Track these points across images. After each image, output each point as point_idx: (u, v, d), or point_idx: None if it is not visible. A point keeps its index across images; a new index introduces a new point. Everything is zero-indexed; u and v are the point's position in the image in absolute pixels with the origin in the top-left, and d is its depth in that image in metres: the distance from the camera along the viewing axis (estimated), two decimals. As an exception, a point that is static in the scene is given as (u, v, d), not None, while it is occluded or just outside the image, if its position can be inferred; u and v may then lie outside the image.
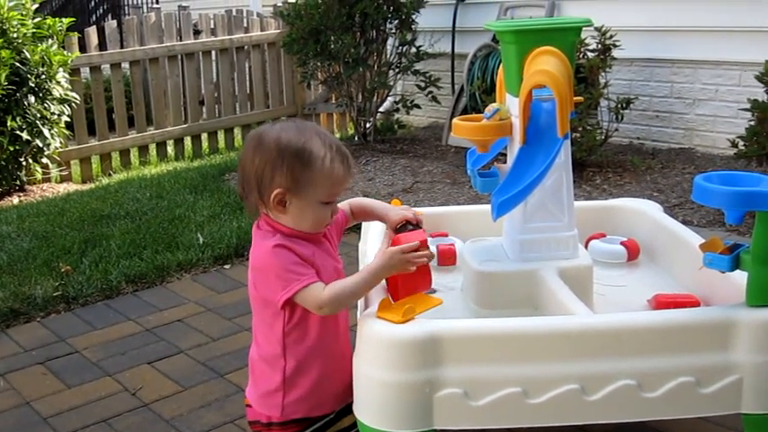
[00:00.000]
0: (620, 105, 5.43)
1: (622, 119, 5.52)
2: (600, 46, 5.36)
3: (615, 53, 5.41)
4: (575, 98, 2.38)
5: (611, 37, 5.34)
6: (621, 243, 2.86)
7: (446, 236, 2.98)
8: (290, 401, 1.91)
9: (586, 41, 5.37)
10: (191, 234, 4.53)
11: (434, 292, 2.51)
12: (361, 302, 2.32)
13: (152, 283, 3.99)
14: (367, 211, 2.19)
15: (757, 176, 2.08)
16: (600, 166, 5.45)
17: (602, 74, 5.39)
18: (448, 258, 2.81)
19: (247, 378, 2.05)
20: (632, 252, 2.83)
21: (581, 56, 5.40)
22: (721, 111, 5.65)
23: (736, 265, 2.05)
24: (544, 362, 2.01)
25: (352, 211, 2.18)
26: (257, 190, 1.84)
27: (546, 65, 2.31)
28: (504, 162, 2.61)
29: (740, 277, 2.10)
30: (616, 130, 5.54)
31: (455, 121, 2.54)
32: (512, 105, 2.50)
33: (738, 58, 5.46)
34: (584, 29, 2.46)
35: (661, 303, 2.43)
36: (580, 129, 5.24)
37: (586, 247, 2.87)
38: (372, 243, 2.58)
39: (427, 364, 1.96)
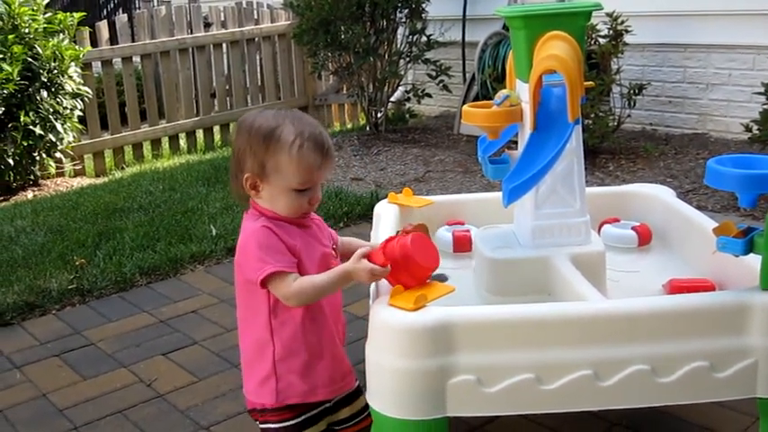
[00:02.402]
0: (632, 91, 5.40)
1: (635, 105, 5.49)
2: (611, 32, 5.33)
3: (627, 39, 5.37)
4: (585, 83, 2.36)
5: (623, 22, 5.31)
6: (633, 228, 2.84)
7: (462, 224, 2.97)
8: (283, 386, 1.88)
9: (598, 27, 5.33)
10: (204, 226, 4.54)
11: (447, 279, 2.51)
12: (372, 290, 2.32)
13: (166, 275, 4.00)
14: (347, 248, 2.07)
15: (770, 159, 2.06)
16: (613, 152, 5.42)
17: (614, 60, 5.36)
18: (463, 245, 2.81)
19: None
20: (643, 237, 2.82)
21: (593, 42, 5.37)
22: (735, 95, 5.60)
23: (749, 248, 2.04)
24: (557, 348, 2.00)
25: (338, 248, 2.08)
26: (233, 174, 1.87)
27: (556, 50, 2.29)
28: (516, 149, 2.60)
29: (754, 261, 2.08)
30: (629, 116, 5.51)
31: (465, 107, 2.54)
32: (522, 91, 2.48)
33: (752, 42, 5.41)
34: (595, 14, 2.44)
35: (676, 288, 2.42)
36: (592, 115, 5.21)
37: (599, 231, 2.86)
38: (384, 233, 2.58)
39: (439, 352, 1.96)
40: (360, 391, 2.03)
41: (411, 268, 1.92)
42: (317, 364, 1.90)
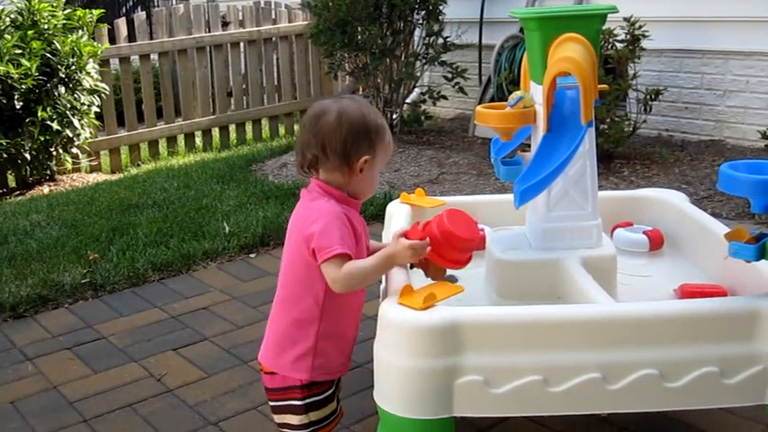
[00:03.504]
0: (648, 97, 5.38)
1: (651, 110, 5.46)
2: (629, 36, 5.31)
3: (644, 44, 5.34)
4: (599, 86, 2.36)
5: (641, 27, 5.28)
6: (644, 232, 2.83)
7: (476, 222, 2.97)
8: (318, 364, 2.00)
9: (615, 32, 5.31)
10: (217, 223, 4.56)
11: (457, 280, 2.51)
12: (382, 290, 2.32)
13: (178, 272, 4.02)
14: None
15: (784, 165, 2.05)
16: (628, 157, 5.40)
17: (631, 65, 5.34)
18: (477, 244, 2.80)
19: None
20: (655, 242, 2.81)
21: (609, 47, 5.35)
22: (752, 102, 5.57)
23: (762, 254, 2.03)
24: (565, 350, 2.00)
25: None
26: (342, 156, 1.98)
27: (570, 52, 2.29)
28: (529, 151, 2.60)
29: (766, 267, 2.07)
30: (644, 121, 5.49)
31: (478, 108, 2.53)
32: (536, 93, 2.48)
33: (770, 49, 5.38)
34: (613, 19, 2.43)
35: (687, 293, 2.41)
36: (608, 120, 5.19)
37: (612, 234, 2.85)
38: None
39: (447, 351, 1.96)
40: None
41: (452, 241, 1.99)
42: (348, 345, 2.07)
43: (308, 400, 2.01)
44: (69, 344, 3.30)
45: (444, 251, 2.01)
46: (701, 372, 2.00)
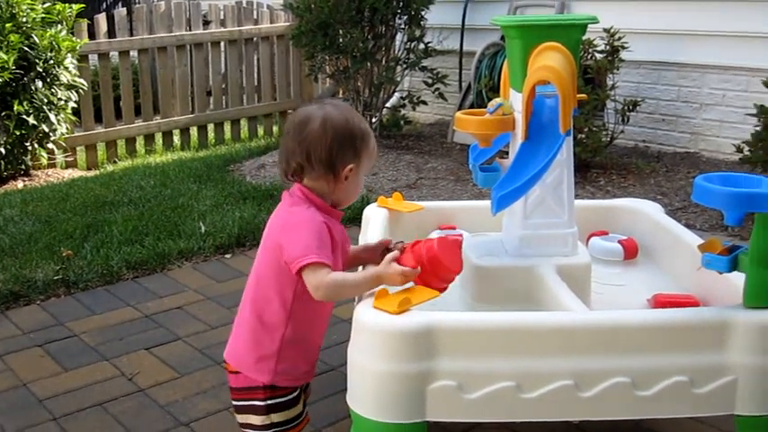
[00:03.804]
0: (626, 108, 5.42)
1: (628, 121, 5.51)
2: (608, 47, 5.35)
3: (623, 55, 5.39)
4: (578, 95, 2.37)
5: (620, 39, 5.33)
6: (619, 242, 2.86)
7: (454, 228, 2.98)
8: (280, 369, 2.00)
9: (595, 42, 5.36)
10: (193, 223, 4.53)
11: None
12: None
13: (152, 270, 3.99)
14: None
15: (757, 178, 2.08)
16: (604, 167, 5.44)
17: (610, 75, 5.38)
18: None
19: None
20: (629, 251, 2.83)
21: (589, 57, 5.39)
22: (728, 116, 5.63)
23: (734, 266, 2.06)
24: (539, 357, 2.01)
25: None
26: (327, 165, 1.98)
27: (550, 61, 2.31)
28: (507, 158, 2.61)
29: (738, 278, 2.09)
30: (622, 132, 5.54)
31: (458, 114, 2.55)
32: (515, 101, 2.50)
33: (746, 64, 5.44)
34: (593, 30, 2.46)
35: (660, 303, 2.43)
36: (586, 129, 5.23)
37: (587, 242, 2.88)
38: (372, 236, 2.59)
39: (421, 356, 1.97)
40: None
41: (437, 270, 2.00)
42: (313, 353, 2.08)
43: (269, 402, 2.01)
44: (40, 341, 3.26)
45: (426, 276, 2.01)
46: (672, 381, 2.02)
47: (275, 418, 2.02)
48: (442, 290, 2.06)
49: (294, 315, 1.99)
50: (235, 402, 2.08)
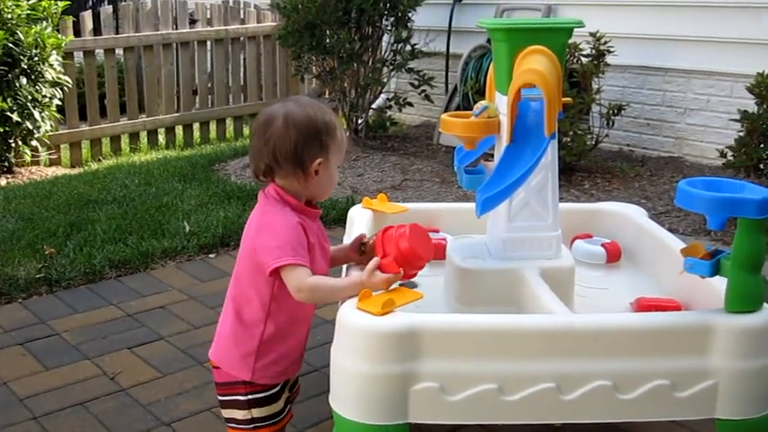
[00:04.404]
0: (611, 111, 5.45)
1: (613, 125, 5.54)
2: (594, 51, 5.37)
3: (609, 59, 5.41)
4: (563, 99, 2.38)
5: (606, 43, 5.35)
6: (602, 245, 2.87)
7: (437, 231, 2.98)
8: (260, 366, 2.03)
9: (581, 46, 5.37)
10: (177, 222, 4.52)
11: (416, 286, 2.51)
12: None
13: (136, 269, 3.98)
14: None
15: (740, 183, 2.09)
16: (589, 171, 5.46)
17: (595, 79, 5.40)
18: (438, 253, 2.81)
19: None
20: (612, 254, 2.85)
21: (575, 61, 5.41)
22: (712, 121, 5.66)
23: (716, 270, 2.07)
24: (521, 359, 2.01)
25: None
26: (295, 162, 1.98)
27: (536, 64, 2.31)
28: (492, 160, 2.62)
29: (720, 283, 2.11)
30: (606, 135, 5.56)
31: (443, 116, 2.55)
32: (501, 104, 2.50)
33: (731, 70, 5.47)
34: (579, 33, 2.46)
35: (643, 306, 2.44)
36: (571, 133, 5.25)
37: (571, 245, 2.88)
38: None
39: (404, 357, 1.97)
40: None
41: (412, 261, 2.04)
42: (293, 351, 2.08)
43: (250, 397, 2.05)
44: (21, 339, 3.24)
45: (401, 266, 2.04)
46: (654, 384, 2.03)
47: (256, 412, 2.06)
48: (411, 276, 2.11)
49: (273, 314, 2.02)
50: (219, 398, 2.12)
